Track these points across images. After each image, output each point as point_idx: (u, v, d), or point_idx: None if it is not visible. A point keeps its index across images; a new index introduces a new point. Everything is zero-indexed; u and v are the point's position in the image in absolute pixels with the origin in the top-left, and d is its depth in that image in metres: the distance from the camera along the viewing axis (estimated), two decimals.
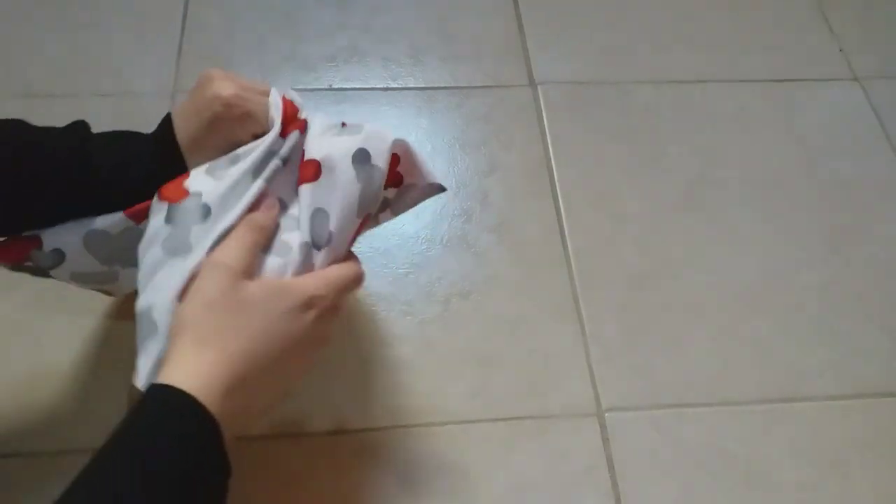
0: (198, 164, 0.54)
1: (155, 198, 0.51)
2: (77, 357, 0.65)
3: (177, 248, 0.49)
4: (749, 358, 0.70)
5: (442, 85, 0.86)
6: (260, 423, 0.54)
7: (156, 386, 0.43)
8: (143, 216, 0.53)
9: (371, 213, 0.55)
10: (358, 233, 0.54)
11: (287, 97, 0.56)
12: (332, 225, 0.51)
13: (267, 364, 0.45)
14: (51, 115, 0.79)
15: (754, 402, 0.68)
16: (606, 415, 0.66)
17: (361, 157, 0.53)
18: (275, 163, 0.52)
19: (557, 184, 0.79)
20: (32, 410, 0.63)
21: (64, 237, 0.55)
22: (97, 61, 0.84)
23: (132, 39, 0.86)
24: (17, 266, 0.57)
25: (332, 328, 0.50)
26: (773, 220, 0.79)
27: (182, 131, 0.54)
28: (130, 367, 0.64)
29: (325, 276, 0.50)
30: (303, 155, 0.53)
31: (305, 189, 0.52)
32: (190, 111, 0.55)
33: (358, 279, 0.52)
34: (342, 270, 0.51)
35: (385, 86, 0.86)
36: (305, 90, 0.84)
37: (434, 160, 0.80)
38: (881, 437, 0.67)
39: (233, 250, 0.47)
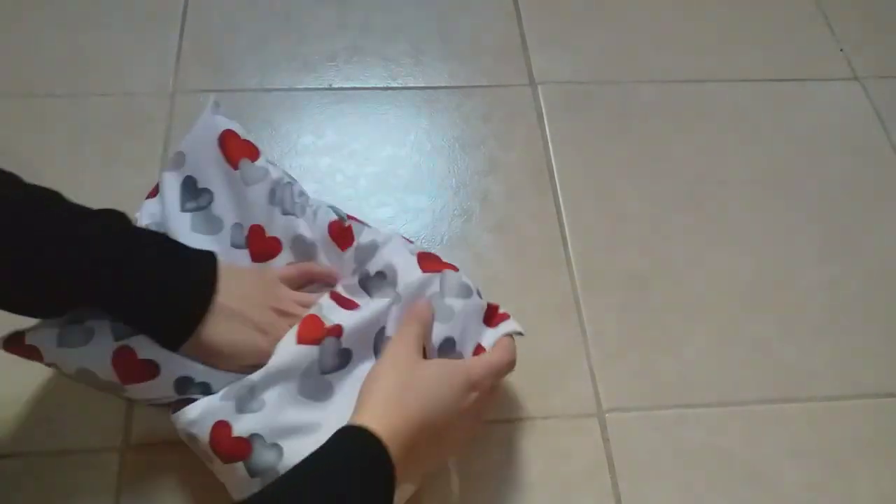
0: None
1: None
2: None
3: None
4: (749, 358, 0.70)
5: (442, 85, 0.86)
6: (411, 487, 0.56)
7: (354, 426, 0.46)
8: (131, 379, 0.55)
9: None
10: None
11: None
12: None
13: (435, 432, 0.49)
14: (51, 115, 0.79)
15: (754, 403, 0.68)
16: (607, 415, 0.66)
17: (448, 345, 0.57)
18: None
19: (557, 184, 0.79)
20: (32, 410, 0.63)
21: (61, 363, 0.56)
22: (97, 61, 0.84)
23: (132, 39, 0.86)
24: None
25: (489, 407, 0.56)
26: (773, 220, 0.79)
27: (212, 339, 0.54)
28: None
29: (489, 361, 0.55)
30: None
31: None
32: (230, 337, 0.54)
33: (512, 365, 0.57)
34: (502, 357, 0.56)
35: (385, 85, 0.86)
36: (305, 90, 0.84)
37: (434, 160, 0.80)
38: (881, 437, 0.67)
39: (408, 335, 0.53)
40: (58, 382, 0.64)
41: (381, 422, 0.46)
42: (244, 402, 0.54)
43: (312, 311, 0.58)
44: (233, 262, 0.60)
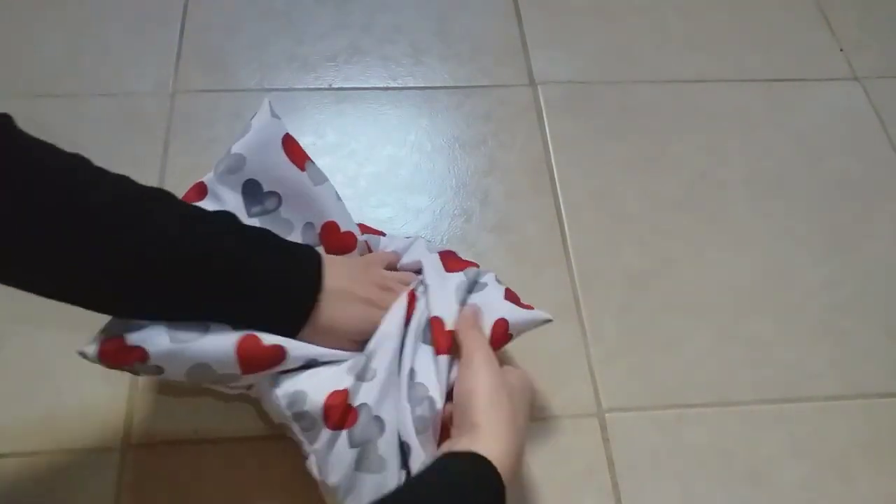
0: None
1: (323, 427, 0.53)
2: (77, 357, 0.65)
3: (371, 466, 0.53)
4: (749, 358, 0.70)
5: (442, 85, 0.86)
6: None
7: (476, 456, 0.47)
8: (253, 367, 0.53)
9: None
10: None
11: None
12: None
13: (523, 440, 0.52)
14: (51, 115, 0.79)
15: (754, 402, 0.68)
16: (607, 415, 0.66)
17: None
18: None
19: (557, 183, 0.79)
20: (32, 410, 0.63)
21: (169, 361, 0.52)
22: (97, 61, 0.84)
23: (132, 39, 0.86)
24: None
25: None
26: (773, 220, 0.79)
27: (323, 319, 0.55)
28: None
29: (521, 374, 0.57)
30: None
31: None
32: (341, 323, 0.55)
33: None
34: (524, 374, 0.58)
35: (385, 85, 0.86)
36: (305, 90, 0.84)
37: (434, 160, 0.80)
38: (881, 437, 0.67)
39: (487, 350, 0.55)
40: (58, 382, 0.64)
41: (503, 461, 0.47)
42: (362, 372, 0.54)
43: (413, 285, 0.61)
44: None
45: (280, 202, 0.61)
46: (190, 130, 0.79)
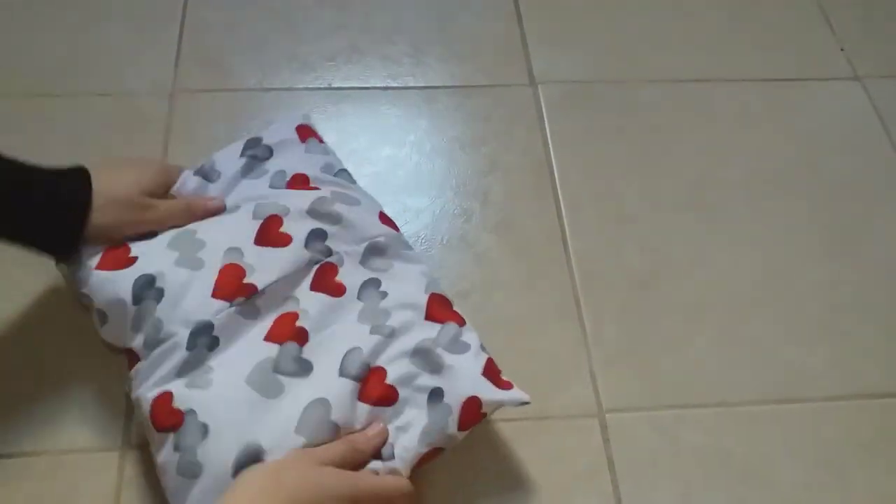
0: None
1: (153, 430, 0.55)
2: (77, 357, 0.65)
3: (189, 471, 0.53)
4: (749, 358, 0.70)
5: (442, 85, 0.86)
6: None
7: None
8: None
9: (441, 448, 0.57)
10: (423, 461, 0.56)
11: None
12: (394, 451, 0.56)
13: None
14: (51, 115, 0.79)
15: (754, 403, 0.68)
16: (607, 416, 0.66)
17: (436, 395, 0.57)
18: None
19: (558, 183, 0.79)
20: (32, 410, 0.63)
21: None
22: (97, 61, 0.84)
23: (132, 40, 0.86)
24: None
25: None
26: (774, 220, 0.79)
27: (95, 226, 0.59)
28: (128, 369, 0.64)
29: (380, 483, 0.53)
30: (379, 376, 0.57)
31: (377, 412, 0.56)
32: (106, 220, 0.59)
33: (404, 498, 0.54)
34: (394, 484, 0.54)
35: (385, 85, 0.86)
36: (305, 90, 0.84)
37: (434, 160, 0.80)
38: (881, 437, 0.67)
39: (322, 448, 0.53)
40: (58, 382, 0.64)
41: None
42: (194, 378, 0.55)
43: (291, 306, 0.59)
44: (269, 195, 0.65)
45: (270, 156, 0.69)
46: (189, 130, 0.79)
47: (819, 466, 0.65)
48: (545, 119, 0.84)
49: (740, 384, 0.68)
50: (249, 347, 0.57)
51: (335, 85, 0.85)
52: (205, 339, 0.56)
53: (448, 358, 0.58)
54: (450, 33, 0.91)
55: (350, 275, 0.62)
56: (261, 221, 0.62)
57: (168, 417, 0.54)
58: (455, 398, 0.56)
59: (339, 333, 0.58)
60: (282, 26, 0.89)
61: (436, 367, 0.57)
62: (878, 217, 0.80)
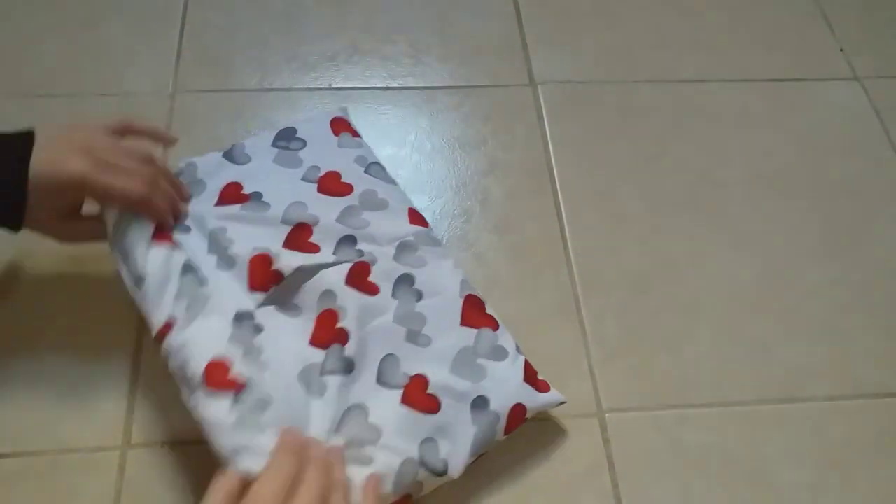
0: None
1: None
2: (77, 357, 0.65)
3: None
4: (749, 358, 0.70)
5: (442, 85, 0.86)
6: None
7: None
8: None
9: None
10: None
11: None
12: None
13: None
14: (51, 115, 0.79)
15: (755, 403, 0.68)
16: (607, 415, 0.66)
17: (480, 403, 0.58)
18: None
19: (558, 183, 0.79)
20: (32, 410, 0.63)
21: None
22: (97, 61, 0.84)
23: (132, 40, 0.86)
24: None
25: None
26: (773, 220, 0.79)
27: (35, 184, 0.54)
28: (130, 368, 0.64)
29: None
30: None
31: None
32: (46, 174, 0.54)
33: None
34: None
35: (385, 85, 0.86)
36: (305, 90, 0.84)
37: (434, 160, 0.80)
38: (882, 437, 0.66)
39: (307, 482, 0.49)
40: (58, 382, 0.64)
41: None
42: (252, 356, 0.55)
43: (329, 302, 0.59)
44: (299, 194, 0.65)
45: (303, 146, 0.69)
46: (190, 130, 0.79)
47: (820, 466, 0.65)
48: (545, 119, 0.84)
49: (740, 384, 0.68)
50: (296, 349, 0.57)
51: (335, 85, 0.85)
52: (249, 323, 0.57)
53: (489, 365, 0.60)
54: (450, 33, 0.91)
55: (383, 273, 0.62)
56: (290, 227, 0.63)
57: (225, 381, 0.53)
58: (501, 406, 0.58)
59: (375, 336, 0.59)
60: (282, 26, 0.89)
61: (477, 375, 0.59)
62: (878, 217, 0.80)
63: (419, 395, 0.57)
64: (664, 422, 0.66)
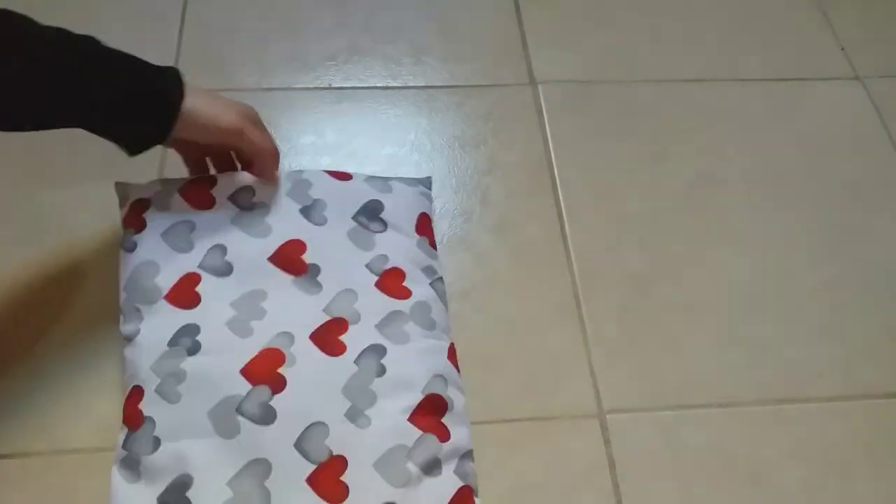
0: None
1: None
2: (77, 357, 0.65)
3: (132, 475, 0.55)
4: (750, 358, 0.70)
5: (442, 84, 0.86)
6: None
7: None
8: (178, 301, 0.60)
9: None
10: None
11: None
12: None
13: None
14: None
15: (755, 403, 0.67)
16: (608, 416, 0.66)
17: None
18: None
19: (558, 183, 0.79)
20: (32, 410, 0.62)
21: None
22: None
23: (131, 39, 0.85)
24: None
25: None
26: (774, 220, 0.79)
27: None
28: None
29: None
30: None
31: None
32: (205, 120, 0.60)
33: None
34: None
35: (385, 85, 0.86)
36: (305, 90, 0.84)
37: (434, 160, 0.80)
38: (882, 437, 0.66)
39: None
40: (58, 382, 0.64)
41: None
42: (167, 386, 0.56)
43: (281, 344, 0.57)
44: (356, 282, 0.63)
45: (384, 230, 0.66)
46: None
47: (820, 467, 0.65)
48: (545, 119, 0.84)
49: (741, 384, 0.68)
50: (223, 374, 0.56)
51: (335, 85, 0.85)
52: (187, 340, 0.58)
53: (418, 476, 0.54)
54: (450, 33, 0.90)
55: (358, 336, 0.59)
56: (328, 319, 0.59)
57: (132, 414, 0.56)
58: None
59: (315, 397, 0.56)
60: (282, 26, 0.89)
61: (400, 481, 0.54)
62: (878, 217, 0.80)
63: (329, 479, 0.53)
64: (664, 422, 0.66)
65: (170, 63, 0.84)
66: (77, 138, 0.78)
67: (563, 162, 0.81)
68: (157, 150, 0.78)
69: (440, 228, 0.75)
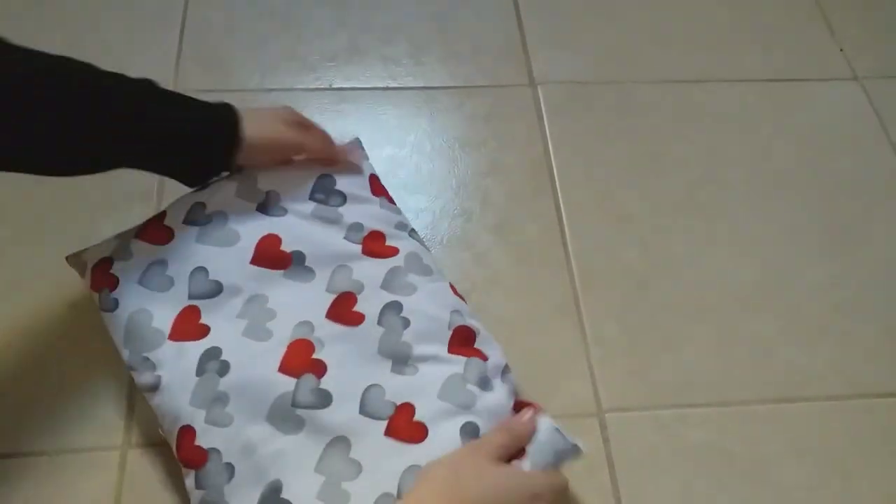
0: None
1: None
2: (77, 357, 0.65)
3: None
4: (749, 358, 0.70)
5: (442, 85, 0.86)
6: None
7: None
8: (181, 336, 0.58)
9: None
10: None
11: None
12: None
13: None
14: None
15: (754, 402, 0.68)
16: (607, 415, 0.66)
17: (469, 429, 0.55)
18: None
19: (558, 184, 0.79)
20: (32, 410, 0.63)
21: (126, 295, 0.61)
22: (97, 61, 0.84)
23: (132, 39, 0.86)
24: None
25: None
26: (773, 220, 0.79)
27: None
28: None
29: (552, 478, 0.54)
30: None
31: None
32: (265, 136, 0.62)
33: (566, 487, 0.55)
34: (560, 478, 0.54)
35: (385, 85, 0.86)
36: (305, 90, 0.84)
37: (434, 160, 0.80)
38: (881, 437, 0.67)
39: (485, 440, 0.53)
40: (58, 382, 0.64)
41: None
42: (215, 413, 0.55)
43: (304, 333, 0.58)
44: (343, 257, 0.63)
45: (343, 201, 0.66)
46: None
47: (819, 466, 0.65)
48: (545, 119, 0.84)
49: (740, 384, 0.68)
50: (263, 376, 0.56)
51: (335, 85, 0.85)
52: (214, 364, 0.57)
53: (478, 393, 0.57)
54: (450, 33, 0.91)
55: (369, 301, 0.60)
56: (334, 297, 0.60)
57: (190, 454, 0.54)
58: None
59: (358, 366, 0.57)
60: (282, 26, 0.89)
61: (467, 402, 0.56)
62: (878, 217, 0.80)
63: (405, 425, 0.55)
64: (664, 421, 0.66)
65: (170, 63, 0.85)
66: None
67: (563, 162, 0.81)
68: None
69: (440, 228, 0.76)
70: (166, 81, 0.82)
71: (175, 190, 0.63)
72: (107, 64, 0.83)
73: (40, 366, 0.65)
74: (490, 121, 0.84)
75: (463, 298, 0.65)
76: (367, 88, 0.85)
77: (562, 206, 0.78)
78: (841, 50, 0.93)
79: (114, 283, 0.60)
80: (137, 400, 0.63)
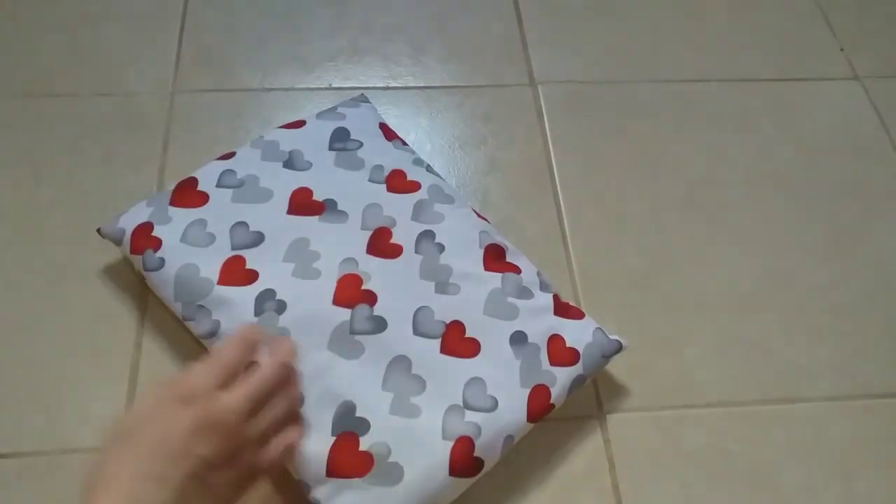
0: None
1: None
2: (77, 357, 0.65)
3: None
4: (750, 358, 0.70)
5: (442, 84, 0.86)
6: None
7: None
8: (230, 281, 0.62)
9: None
10: None
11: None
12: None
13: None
14: (51, 115, 0.79)
15: (755, 403, 0.68)
16: (607, 416, 0.66)
17: (518, 338, 0.62)
18: None
19: (558, 183, 0.79)
20: (32, 410, 0.63)
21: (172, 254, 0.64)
22: (97, 61, 0.84)
23: (132, 39, 0.86)
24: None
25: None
26: (773, 220, 0.79)
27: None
28: (129, 369, 0.64)
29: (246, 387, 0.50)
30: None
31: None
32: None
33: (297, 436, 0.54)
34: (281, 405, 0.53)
35: (385, 85, 0.86)
36: (305, 90, 0.84)
37: (434, 160, 0.80)
38: (882, 437, 0.67)
39: (170, 381, 0.49)
40: (58, 382, 0.64)
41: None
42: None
43: (350, 269, 0.62)
44: (371, 196, 0.67)
45: (360, 146, 0.72)
46: (190, 130, 0.79)
47: (819, 466, 0.65)
48: (545, 119, 0.84)
49: (740, 384, 0.68)
50: (319, 310, 0.60)
51: (335, 85, 0.85)
52: (271, 304, 0.60)
53: (519, 304, 0.63)
54: (450, 33, 0.91)
55: (404, 233, 0.65)
56: (370, 233, 0.65)
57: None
58: (539, 338, 0.62)
59: (405, 292, 0.62)
60: (282, 26, 0.89)
61: (511, 313, 0.62)
62: (878, 217, 0.80)
63: (458, 341, 0.60)
64: (664, 422, 0.66)
65: (170, 63, 0.85)
66: (77, 137, 0.78)
67: (563, 162, 0.81)
68: (156, 153, 0.78)
69: None
70: (166, 81, 0.83)
71: None
72: (107, 63, 0.84)
73: (40, 365, 0.65)
74: (490, 120, 0.84)
75: (486, 219, 0.70)
76: (367, 88, 0.85)
77: (562, 205, 0.78)
78: (841, 50, 0.93)
79: (157, 243, 0.63)
80: (136, 399, 0.63)
